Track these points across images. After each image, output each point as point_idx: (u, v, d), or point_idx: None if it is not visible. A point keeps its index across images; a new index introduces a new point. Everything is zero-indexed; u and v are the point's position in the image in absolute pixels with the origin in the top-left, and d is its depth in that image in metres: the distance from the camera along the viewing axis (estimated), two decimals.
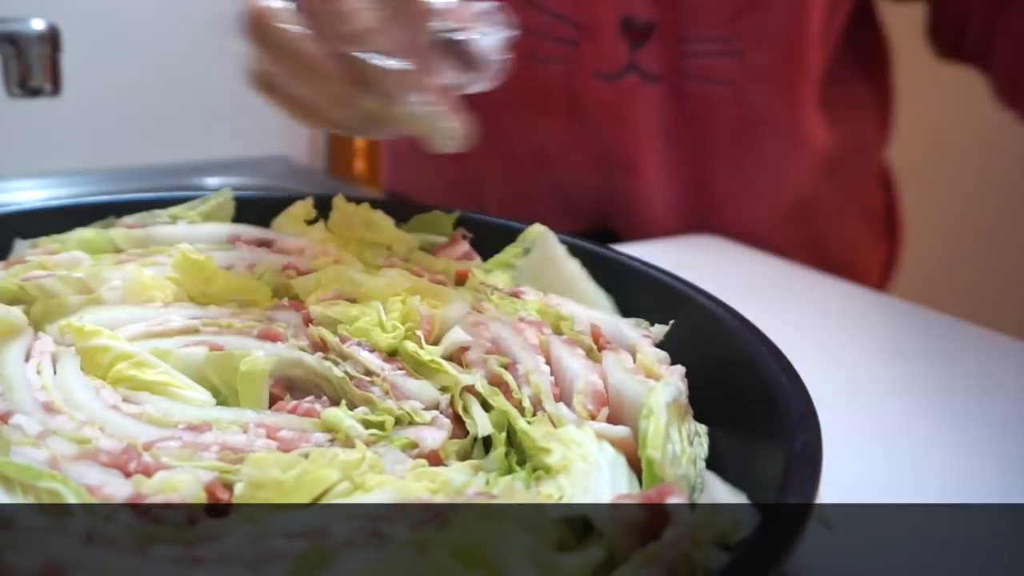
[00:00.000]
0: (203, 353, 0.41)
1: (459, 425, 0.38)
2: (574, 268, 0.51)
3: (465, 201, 1.01)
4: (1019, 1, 0.87)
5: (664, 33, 0.87)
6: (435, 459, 0.36)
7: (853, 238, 1.03)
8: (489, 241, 0.55)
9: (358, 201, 0.55)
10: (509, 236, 0.54)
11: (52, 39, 0.85)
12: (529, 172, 0.97)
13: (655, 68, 0.89)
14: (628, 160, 0.94)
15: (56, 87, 0.87)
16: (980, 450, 0.55)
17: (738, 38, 0.88)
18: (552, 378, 0.40)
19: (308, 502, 0.32)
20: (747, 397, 0.39)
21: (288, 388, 0.41)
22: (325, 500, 0.32)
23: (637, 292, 0.49)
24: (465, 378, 0.39)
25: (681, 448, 0.36)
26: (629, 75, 0.89)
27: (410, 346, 0.41)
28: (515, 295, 0.49)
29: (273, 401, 0.39)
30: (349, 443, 0.36)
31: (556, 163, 0.95)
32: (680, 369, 0.40)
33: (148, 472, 0.33)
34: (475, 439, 0.38)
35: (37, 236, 0.52)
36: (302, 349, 0.41)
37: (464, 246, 0.55)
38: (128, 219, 0.54)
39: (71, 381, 0.38)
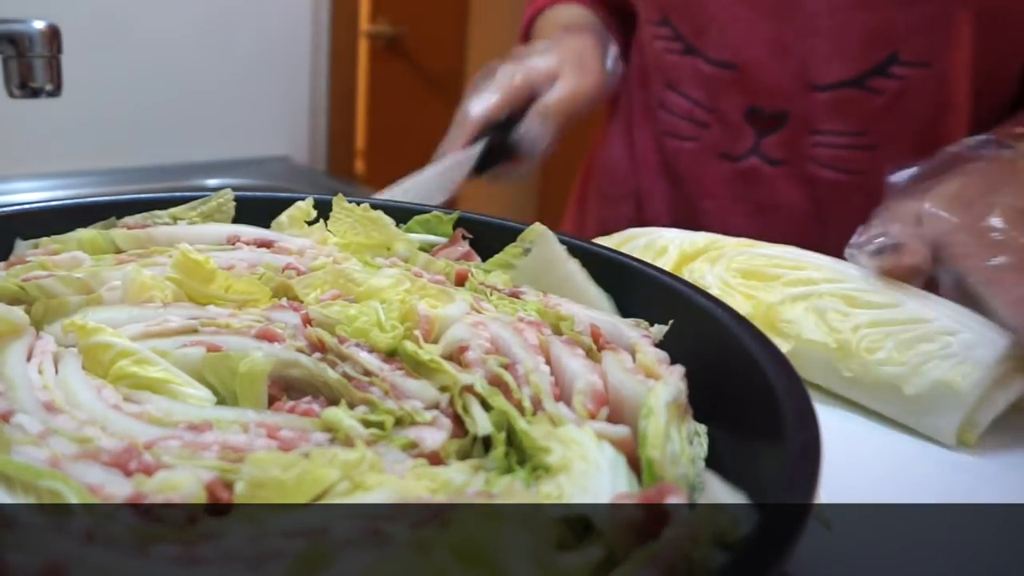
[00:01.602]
0: (200, 354, 0.41)
1: (459, 424, 0.38)
2: (574, 268, 0.51)
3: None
4: None
5: (795, 124, 0.93)
6: (435, 459, 0.36)
7: None
8: (489, 241, 0.55)
9: (358, 201, 0.55)
10: (509, 236, 0.54)
11: (52, 39, 0.85)
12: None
13: (779, 154, 0.95)
14: (743, 235, 0.99)
15: (56, 87, 0.87)
16: (980, 449, 0.55)
17: (874, 133, 0.91)
18: (552, 378, 0.40)
19: (308, 501, 0.32)
20: (747, 397, 0.39)
21: (285, 389, 0.41)
22: (325, 499, 0.32)
23: (637, 292, 0.49)
24: (464, 378, 0.39)
25: (681, 448, 0.36)
26: (751, 158, 0.96)
27: (409, 346, 0.41)
28: (515, 295, 0.49)
29: (270, 402, 0.39)
30: (349, 443, 0.36)
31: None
32: (680, 369, 0.40)
33: (149, 471, 0.33)
34: (475, 438, 0.38)
35: (38, 236, 0.52)
36: (299, 350, 0.41)
37: (464, 246, 0.55)
38: (129, 220, 0.54)
39: (72, 380, 0.38)
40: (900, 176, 0.71)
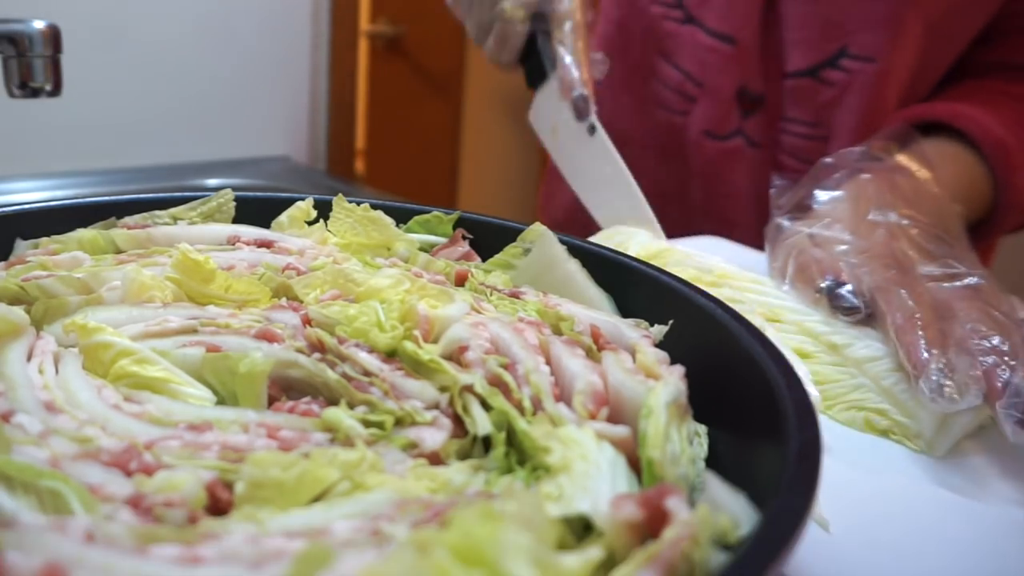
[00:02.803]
0: (200, 354, 0.41)
1: (459, 425, 0.38)
2: (574, 268, 0.51)
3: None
4: None
5: (769, 107, 0.94)
6: (435, 459, 0.36)
7: None
8: (489, 241, 0.55)
9: (358, 201, 0.55)
10: (509, 236, 0.54)
11: (52, 39, 0.85)
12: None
13: (758, 136, 0.95)
14: (724, 215, 1.01)
15: (56, 87, 0.87)
16: (981, 448, 0.55)
17: (825, 125, 0.93)
18: (552, 378, 0.40)
19: (308, 501, 0.32)
20: (747, 397, 0.39)
21: (285, 389, 0.41)
22: (325, 499, 0.32)
23: (637, 292, 0.49)
24: (464, 377, 0.39)
25: (681, 448, 0.36)
26: (735, 138, 0.96)
27: (409, 346, 0.41)
28: (515, 295, 0.49)
29: (270, 402, 0.39)
30: (349, 443, 0.36)
31: (671, 206, 1.02)
32: (680, 369, 0.40)
33: (149, 471, 0.33)
34: (475, 438, 0.38)
35: (37, 236, 0.52)
36: (299, 350, 0.41)
37: (464, 246, 0.55)
38: (129, 220, 0.54)
39: (73, 380, 0.38)
40: (782, 194, 0.73)
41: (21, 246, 0.51)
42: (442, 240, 0.56)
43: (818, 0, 0.89)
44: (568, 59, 0.80)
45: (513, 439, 0.37)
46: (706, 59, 0.96)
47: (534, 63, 0.85)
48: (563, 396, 0.39)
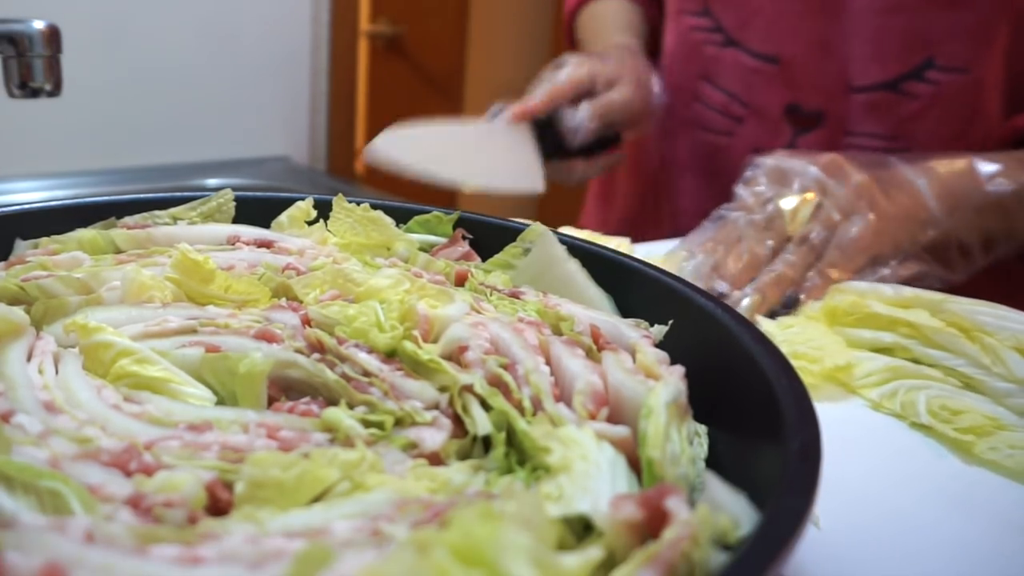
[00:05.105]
0: (199, 354, 0.41)
1: (459, 425, 0.38)
2: (574, 268, 0.51)
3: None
4: None
5: (831, 124, 0.93)
6: (435, 459, 0.36)
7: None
8: (489, 241, 0.55)
9: (358, 201, 0.55)
10: (509, 236, 0.54)
11: (52, 39, 0.85)
12: (692, 227, 1.06)
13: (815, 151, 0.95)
14: None
15: (56, 87, 0.87)
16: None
17: (906, 137, 0.91)
18: (552, 378, 0.40)
19: (308, 501, 0.32)
20: (747, 397, 0.39)
21: (284, 389, 0.41)
22: (325, 499, 0.32)
23: (637, 292, 0.49)
24: (464, 378, 0.39)
25: (681, 448, 0.36)
26: None
27: (408, 346, 0.41)
28: (515, 295, 0.49)
29: (269, 402, 0.39)
30: (349, 443, 0.36)
31: None
32: (680, 369, 0.40)
33: (149, 471, 0.33)
34: (475, 439, 0.38)
35: (37, 236, 0.52)
36: (298, 350, 0.41)
37: (464, 246, 0.55)
38: (128, 220, 0.54)
39: (73, 380, 0.38)
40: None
41: (21, 246, 0.51)
42: (442, 240, 0.56)
43: (895, 12, 0.88)
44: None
45: (513, 439, 0.37)
46: (751, 80, 0.96)
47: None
48: (563, 396, 0.39)
